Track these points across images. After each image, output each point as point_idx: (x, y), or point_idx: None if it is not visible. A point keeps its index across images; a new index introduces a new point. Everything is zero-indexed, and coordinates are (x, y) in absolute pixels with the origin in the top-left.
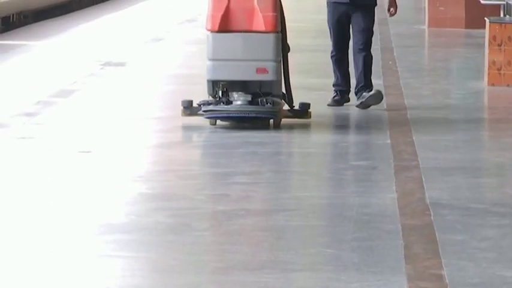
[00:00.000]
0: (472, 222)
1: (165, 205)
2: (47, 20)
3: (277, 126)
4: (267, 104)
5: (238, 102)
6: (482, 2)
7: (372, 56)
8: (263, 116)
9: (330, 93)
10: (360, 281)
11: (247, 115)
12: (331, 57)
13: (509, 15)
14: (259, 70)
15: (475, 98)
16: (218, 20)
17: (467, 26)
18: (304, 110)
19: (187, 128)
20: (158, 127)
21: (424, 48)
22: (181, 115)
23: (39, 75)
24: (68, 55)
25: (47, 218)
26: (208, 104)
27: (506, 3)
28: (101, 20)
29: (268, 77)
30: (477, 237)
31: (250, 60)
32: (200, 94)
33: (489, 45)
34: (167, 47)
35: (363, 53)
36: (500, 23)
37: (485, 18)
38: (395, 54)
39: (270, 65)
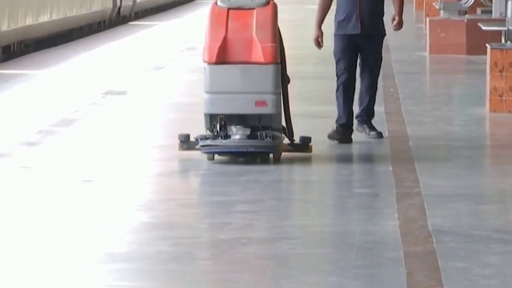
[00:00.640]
0: (474, 249)
1: (167, 234)
2: (48, 49)
3: (277, 161)
4: (266, 138)
5: (237, 137)
6: (483, 28)
7: (377, 89)
8: (263, 150)
9: (332, 120)
10: None
11: (246, 150)
12: (336, 90)
13: (511, 42)
14: (258, 103)
15: (477, 124)
16: (215, 51)
17: (468, 52)
18: (304, 144)
19: (187, 157)
20: (159, 156)
21: (426, 74)
22: (178, 149)
23: (41, 105)
24: (69, 84)
25: (48, 247)
26: (206, 138)
27: (508, 29)
28: (101, 49)
29: (267, 110)
30: (480, 264)
31: (249, 93)
32: (202, 123)
33: (490, 71)
34: (168, 76)
35: (370, 92)
36: (502, 49)
37: (487, 45)
38: (396, 81)
39: (269, 98)
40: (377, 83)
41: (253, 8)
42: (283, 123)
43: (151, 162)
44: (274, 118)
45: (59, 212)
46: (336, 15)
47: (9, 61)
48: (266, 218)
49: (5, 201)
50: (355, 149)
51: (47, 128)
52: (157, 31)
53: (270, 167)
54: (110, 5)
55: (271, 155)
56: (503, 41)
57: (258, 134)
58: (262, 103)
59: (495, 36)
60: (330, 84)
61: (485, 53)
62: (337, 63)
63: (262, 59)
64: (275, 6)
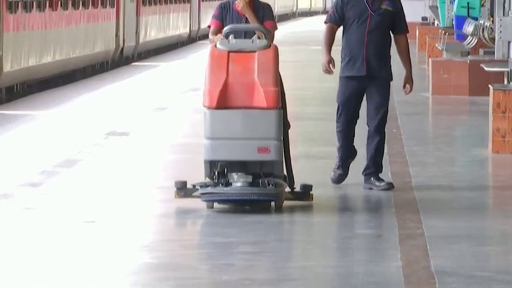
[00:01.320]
0: None
1: (170, 275)
2: (51, 90)
3: (278, 209)
4: (269, 185)
5: (238, 184)
6: (486, 69)
7: (384, 138)
8: (265, 198)
9: (333, 162)
10: None
11: (248, 198)
12: (338, 132)
13: None
14: (260, 150)
15: (479, 165)
16: (216, 96)
17: (471, 93)
18: (305, 192)
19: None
20: (162, 196)
21: (428, 115)
22: (175, 197)
23: (44, 145)
24: (72, 125)
25: None
26: (206, 186)
27: (510, 70)
28: (104, 90)
29: (270, 157)
30: None
31: (251, 139)
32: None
33: (493, 112)
34: (171, 116)
35: (377, 138)
36: (504, 90)
37: (489, 86)
38: (399, 122)
39: (272, 144)
40: (384, 132)
41: (254, 51)
42: (284, 170)
43: (154, 203)
44: (277, 165)
45: (62, 252)
46: (341, 57)
47: (12, 102)
48: (269, 259)
49: (8, 242)
50: (357, 190)
51: (50, 168)
52: (160, 72)
53: (272, 208)
54: (112, 45)
55: (272, 203)
56: (505, 82)
57: (260, 181)
58: (265, 150)
59: (498, 77)
60: (332, 126)
61: (487, 94)
62: (338, 107)
63: (264, 104)
64: (276, 50)
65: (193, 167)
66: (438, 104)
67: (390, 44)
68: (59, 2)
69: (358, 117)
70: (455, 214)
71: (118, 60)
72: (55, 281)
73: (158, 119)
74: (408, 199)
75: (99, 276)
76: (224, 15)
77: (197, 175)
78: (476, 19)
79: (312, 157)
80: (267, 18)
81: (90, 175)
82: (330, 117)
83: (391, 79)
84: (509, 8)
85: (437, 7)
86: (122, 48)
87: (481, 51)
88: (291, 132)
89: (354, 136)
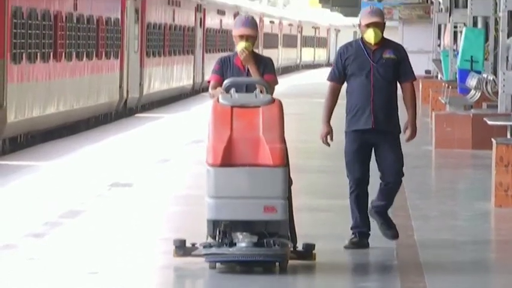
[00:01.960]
0: None
1: None
2: (55, 141)
3: (283, 270)
4: (274, 245)
5: (243, 244)
6: (489, 122)
7: (398, 188)
8: (271, 259)
9: (336, 215)
10: None
11: (254, 259)
12: (350, 194)
13: None
14: (267, 209)
15: (482, 219)
16: (220, 153)
17: (474, 147)
18: (308, 252)
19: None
20: (165, 248)
21: (431, 169)
22: (173, 256)
23: (47, 196)
24: (75, 176)
25: None
26: (210, 246)
27: None
28: (108, 141)
29: (277, 216)
30: None
31: (256, 198)
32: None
33: (496, 166)
34: (174, 168)
35: (389, 198)
36: (507, 144)
37: (492, 139)
38: None
39: (278, 203)
40: (399, 188)
41: (258, 106)
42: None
43: (157, 255)
44: (283, 224)
45: None
46: (346, 110)
47: (16, 152)
48: None
49: None
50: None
51: (54, 219)
52: (163, 123)
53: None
54: (116, 97)
55: (277, 264)
56: (508, 135)
57: (266, 241)
58: (271, 209)
59: (501, 131)
60: (335, 179)
61: (491, 147)
62: (347, 164)
63: (270, 162)
64: (281, 105)
65: (196, 219)
66: (441, 158)
67: (397, 95)
68: (63, 53)
69: (368, 174)
70: (458, 268)
71: (122, 112)
72: None
73: (161, 170)
74: (411, 253)
75: None
76: (225, 69)
77: (199, 227)
78: (479, 73)
79: (315, 210)
80: (267, 71)
81: (93, 226)
82: (332, 170)
83: (400, 132)
84: None
85: (440, 60)
86: (126, 100)
87: (484, 105)
88: (294, 184)
89: (367, 202)
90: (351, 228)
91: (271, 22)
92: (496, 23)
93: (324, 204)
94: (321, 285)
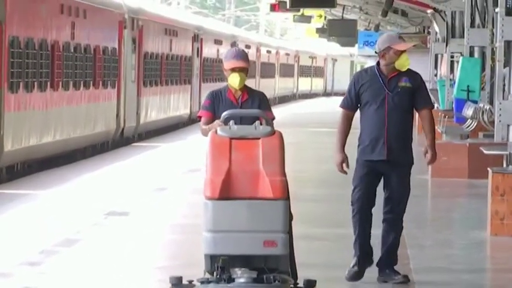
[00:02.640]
0: None
1: None
2: (52, 170)
3: None
4: (274, 281)
5: (242, 280)
6: (485, 152)
7: (402, 230)
8: None
9: (332, 243)
10: None
11: None
12: (353, 217)
13: None
14: (267, 243)
15: (478, 248)
16: (219, 186)
17: (470, 176)
18: None
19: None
20: (161, 277)
21: (427, 198)
22: None
23: (43, 224)
24: (71, 204)
25: None
26: (208, 282)
27: (509, 153)
28: (104, 170)
29: (277, 251)
30: None
31: (256, 232)
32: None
33: (492, 195)
34: (171, 197)
35: (395, 231)
36: (503, 173)
37: (488, 169)
38: None
39: (279, 237)
40: (402, 221)
41: (258, 138)
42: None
43: (153, 283)
44: (283, 259)
45: None
46: (359, 139)
47: (13, 181)
48: None
49: None
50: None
51: (50, 248)
52: (160, 152)
53: None
54: (113, 126)
55: None
56: (505, 165)
57: (265, 277)
58: (271, 243)
59: (497, 160)
60: (330, 207)
61: (486, 176)
62: (353, 189)
63: (271, 194)
64: (281, 136)
65: (192, 248)
66: (437, 187)
67: (412, 124)
68: (60, 82)
69: (374, 201)
70: None
71: (118, 141)
72: None
73: (157, 199)
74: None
75: None
76: (216, 104)
77: (196, 256)
78: (476, 102)
79: (311, 238)
80: (264, 108)
81: (89, 255)
82: (327, 199)
83: (413, 163)
84: (509, 92)
85: (437, 90)
86: (123, 129)
87: (481, 134)
88: None
89: (370, 227)
90: (353, 262)
91: (268, 52)
92: (493, 52)
93: (319, 233)
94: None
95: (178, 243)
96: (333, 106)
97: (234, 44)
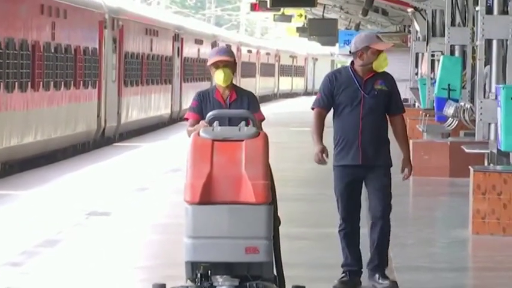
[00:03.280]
0: None
1: None
2: (33, 170)
3: None
4: None
5: None
6: (466, 150)
7: (390, 227)
8: None
9: (314, 242)
10: None
11: None
12: (339, 231)
13: (494, 164)
14: (248, 250)
15: (460, 246)
16: (199, 190)
17: (451, 175)
18: None
19: (174, 277)
20: (143, 276)
21: (409, 197)
22: None
23: (25, 225)
24: (53, 205)
25: None
26: None
27: (491, 152)
28: (86, 170)
29: (259, 257)
30: None
31: (238, 238)
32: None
33: (473, 193)
34: (152, 197)
35: (380, 223)
36: (485, 172)
37: (470, 167)
38: None
39: (261, 244)
40: (389, 222)
41: (242, 140)
42: (274, 271)
43: (135, 283)
44: (266, 266)
45: None
46: (334, 144)
47: None
48: None
49: None
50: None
51: (31, 248)
52: (141, 152)
53: None
54: (94, 126)
55: None
56: (486, 163)
57: (248, 285)
58: (253, 250)
59: (478, 158)
60: (311, 207)
61: (468, 175)
62: (337, 201)
63: (253, 199)
64: (266, 138)
65: (174, 248)
66: (419, 186)
67: (387, 127)
68: (41, 83)
69: (359, 210)
70: None
71: (100, 141)
72: None
73: (139, 199)
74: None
75: None
76: (204, 105)
77: (177, 256)
78: (457, 101)
79: (292, 238)
80: (253, 109)
81: (71, 255)
82: (309, 198)
83: (391, 165)
84: (490, 90)
85: (418, 89)
86: (104, 129)
87: (462, 133)
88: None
89: (359, 238)
90: (342, 266)
91: (249, 51)
92: (474, 51)
93: (301, 232)
94: None
95: (159, 243)
96: None
97: (214, 44)
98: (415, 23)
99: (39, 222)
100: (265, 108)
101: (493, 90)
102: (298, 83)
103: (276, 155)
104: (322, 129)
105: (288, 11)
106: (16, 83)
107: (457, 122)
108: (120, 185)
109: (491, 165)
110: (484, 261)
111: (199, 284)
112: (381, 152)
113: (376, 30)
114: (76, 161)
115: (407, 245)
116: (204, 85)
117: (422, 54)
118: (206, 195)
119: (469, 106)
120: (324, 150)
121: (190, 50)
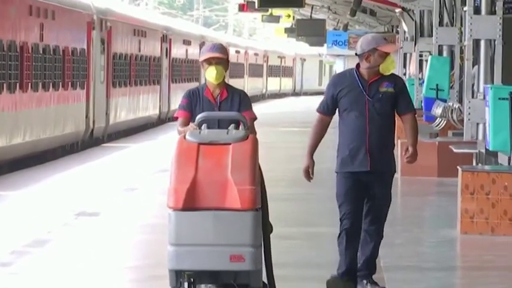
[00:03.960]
0: None
1: None
2: (21, 170)
3: None
4: None
5: None
6: (454, 150)
7: (382, 237)
8: None
9: (303, 242)
10: None
11: None
12: (340, 236)
13: (482, 164)
14: (233, 258)
15: (448, 246)
16: (183, 195)
17: (439, 175)
18: None
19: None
20: (132, 276)
21: (397, 196)
22: None
23: (14, 225)
24: (42, 205)
25: None
26: None
27: (479, 151)
28: (74, 170)
29: (245, 266)
30: None
31: (222, 246)
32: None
33: (461, 193)
34: (141, 197)
35: (375, 241)
36: (473, 172)
37: (458, 167)
38: None
39: (247, 252)
40: (383, 230)
41: (229, 143)
42: (264, 278)
43: (124, 283)
44: (253, 275)
45: None
46: (338, 149)
47: None
48: None
49: None
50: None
51: (20, 248)
52: (130, 153)
53: None
54: (82, 127)
55: None
56: (474, 163)
57: None
58: (238, 258)
59: (466, 158)
60: (301, 206)
61: (456, 175)
62: (339, 206)
63: (238, 205)
64: (255, 141)
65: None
66: (407, 185)
67: (394, 131)
68: (30, 84)
69: (362, 215)
70: None
71: (88, 141)
72: None
73: (128, 199)
74: (377, 279)
75: None
76: (194, 104)
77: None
78: (445, 101)
79: (281, 237)
80: (245, 108)
81: (60, 255)
82: (298, 198)
83: (395, 171)
84: (478, 90)
85: None
86: (92, 130)
87: (450, 133)
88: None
89: (358, 242)
90: (337, 270)
91: (237, 52)
92: (462, 51)
93: (292, 232)
94: None
95: (148, 243)
96: (302, 106)
97: (203, 45)
98: (403, 23)
99: (28, 223)
100: (254, 109)
101: (481, 90)
102: (286, 84)
103: (264, 155)
104: (320, 138)
105: (276, 11)
106: (4, 84)
107: (445, 122)
108: (109, 186)
109: (480, 165)
110: (472, 261)
111: None
112: (388, 156)
113: (364, 31)
114: (65, 161)
115: (395, 245)
116: (193, 86)
117: (410, 54)
118: (190, 201)
119: (457, 106)
120: (310, 166)
121: (178, 51)
